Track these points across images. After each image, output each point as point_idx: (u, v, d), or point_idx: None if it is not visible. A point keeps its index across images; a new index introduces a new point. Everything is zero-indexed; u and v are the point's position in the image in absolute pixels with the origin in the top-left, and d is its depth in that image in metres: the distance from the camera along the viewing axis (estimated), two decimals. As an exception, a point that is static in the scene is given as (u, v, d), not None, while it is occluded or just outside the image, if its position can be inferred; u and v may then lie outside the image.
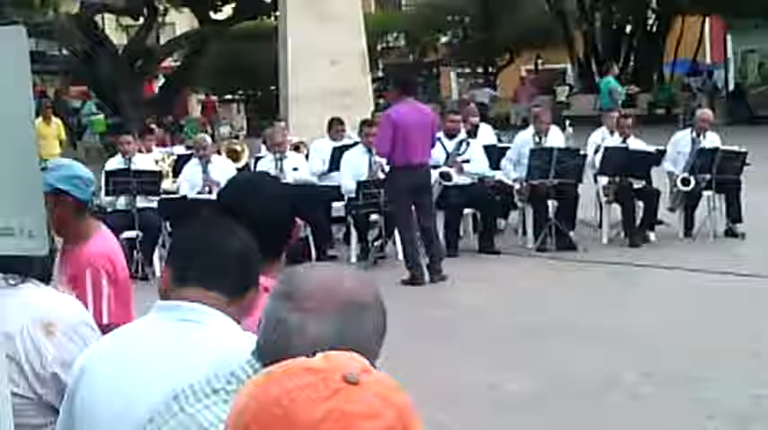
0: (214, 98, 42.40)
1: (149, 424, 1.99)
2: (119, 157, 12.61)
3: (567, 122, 14.03)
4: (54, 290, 3.27)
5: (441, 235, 11.90)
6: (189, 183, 12.61)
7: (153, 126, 18.53)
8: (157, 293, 2.55)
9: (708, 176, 12.66)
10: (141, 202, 12.00)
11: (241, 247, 2.50)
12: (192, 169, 12.75)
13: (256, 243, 2.54)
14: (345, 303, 1.87)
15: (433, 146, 11.45)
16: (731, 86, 39.39)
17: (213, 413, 1.89)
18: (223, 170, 12.13)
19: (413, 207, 11.08)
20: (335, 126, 14.16)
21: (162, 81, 40.48)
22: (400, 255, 11.81)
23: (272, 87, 27.73)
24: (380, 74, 42.56)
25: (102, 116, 33.03)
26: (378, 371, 1.39)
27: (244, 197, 2.92)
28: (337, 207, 12.97)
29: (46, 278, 3.31)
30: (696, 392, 6.99)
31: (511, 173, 13.11)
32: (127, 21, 37.02)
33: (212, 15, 35.27)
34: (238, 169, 13.40)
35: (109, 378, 2.39)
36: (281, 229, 2.98)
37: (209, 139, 13.59)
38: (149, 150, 14.37)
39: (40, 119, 17.32)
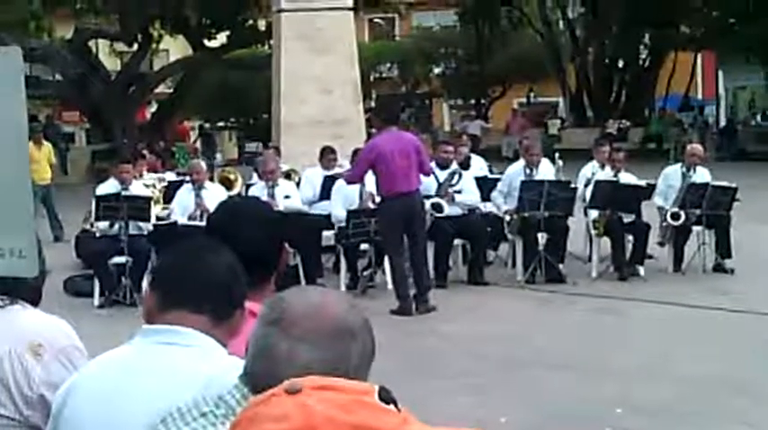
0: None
1: (136, 447, 1.98)
2: (109, 182, 12.62)
3: (557, 155, 14.07)
4: (40, 312, 3.26)
5: (430, 265, 11.90)
6: (181, 208, 12.62)
7: (144, 152, 18.54)
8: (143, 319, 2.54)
9: (698, 211, 12.69)
10: (132, 229, 11.98)
11: (226, 270, 2.49)
12: (185, 194, 12.77)
13: (243, 267, 2.54)
14: (333, 329, 1.87)
15: (425, 171, 11.47)
16: (722, 122, 39.61)
17: (201, 436, 1.89)
18: (215, 197, 12.12)
19: (404, 236, 11.09)
20: (327, 155, 14.17)
21: (155, 107, 40.55)
22: (390, 285, 11.81)
23: (265, 115, 27.75)
24: (373, 104, 42.66)
25: None
26: (333, 393, 1.38)
27: (232, 221, 2.92)
28: (327, 236, 12.98)
29: (35, 300, 3.29)
30: (683, 427, 6.98)
31: (501, 204, 13.13)
32: (120, 47, 37.14)
33: (206, 43, 35.38)
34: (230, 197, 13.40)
35: (94, 403, 2.38)
36: (269, 254, 2.97)
37: (204, 165, 13.62)
38: (140, 175, 14.38)
39: (31, 143, 17.30)
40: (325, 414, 1.31)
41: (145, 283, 11.86)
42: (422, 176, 11.44)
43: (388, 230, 11.19)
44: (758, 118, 37.67)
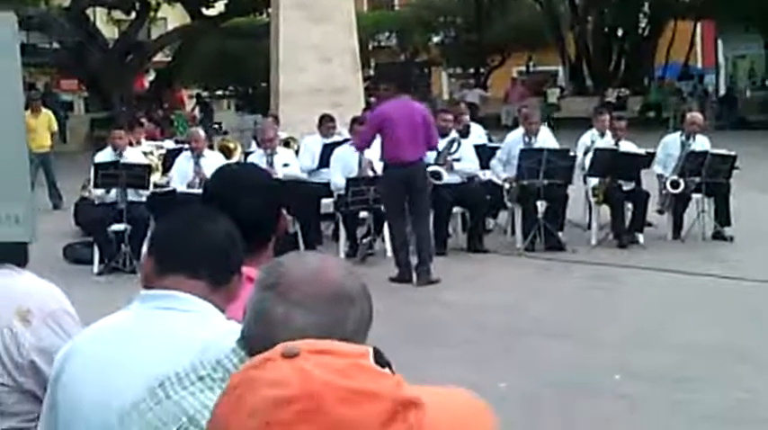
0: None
1: (134, 410, 1.98)
2: (107, 150, 12.62)
3: (547, 123, 14.03)
4: (30, 274, 3.24)
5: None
6: (180, 176, 12.61)
7: (142, 120, 18.51)
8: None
9: (697, 179, 12.69)
10: (130, 196, 11.98)
11: (223, 236, 2.48)
12: (184, 162, 12.76)
13: (241, 233, 2.53)
14: (331, 294, 1.86)
15: (432, 145, 11.44)
16: (722, 91, 39.54)
17: (198, 400, 1.88)
18: (214, 165, 12.07)
19: (406, 205, 11.07)
20: (326, 123, 14.15)
21: (153, 76, 40.43)
22: (389, 253, 11.81)
23: (264, 84, 27.70)
24: (371, 72, 42.55)
25: None
26: (331, 357, 1.37)
27: (230, 187, 2.91)
28: (326, 203, 12.99)
29: (23, 264, 3.28)
30: (682, 394, 7.00)
31: (501, 173, 13.12)
32: (118, 15, 37.03)
33: (204, 11, 35.26)
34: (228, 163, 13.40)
35: (92, 369, 2.37)
36: (266, 220, 2.97)
37: (202, 133, 13.60)
38: (138, 143, 14.36)
39: (29, 111, 17.26)
40: (323, 379, 1.30)
41: (144, 251, 11.87)
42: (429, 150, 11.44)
43: (390, 198, 11.17)
44: (757, 86, 37.64)
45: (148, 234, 11.90)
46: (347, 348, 1.39)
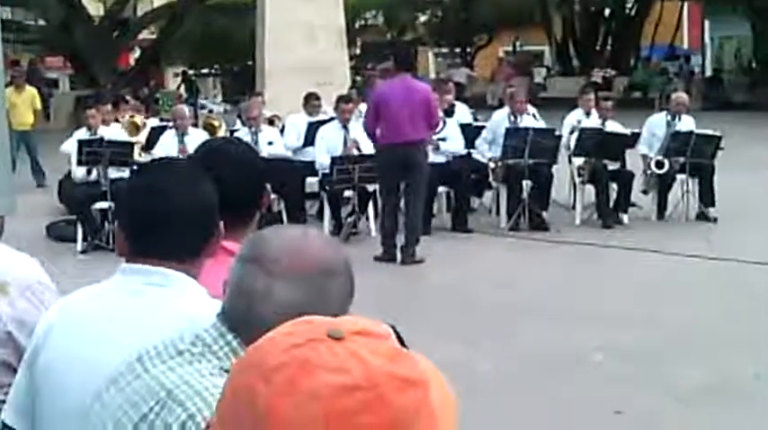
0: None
1: (113, 385, 1.96)
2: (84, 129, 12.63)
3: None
4: (7, 247, 3.21)
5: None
6: (164, 153, 12.55)
7: (127, 97, 18.41)
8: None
9: (682, 160, 12.71)
10: (113, 173, 11.93)
11: (196, 205, 2.41)
12: (168, 139, 12.70)
13: (224, 207, 2.49)
14: (313, 267, 1.85)
15: (432, 126, 11.38)
16: (708, 72, 39.58)
17: (177, 374, 1.86)
18: (198, 142, 12.04)
19: (401, 185, 11.00)
20: (311, 101, 14.10)
21: (138, 53, 40.25)
22: (374, 232, 11.79)
23: (249, 62, 27.60)
24: (358, 51, 42.43)
25: None
26: (373, 340, 1.33)
27: (213, 161, 2.87)
28: (311, 182, 12.97)
29: None
30: (665, 373, 7.02)
31: (486, 152, 13.10)
32: (104, -8, 36.79)
33: (190, -12, 35.08)
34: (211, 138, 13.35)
35: (73, 341, 2.35)
36: (250, 195, 2.95)
37: (187, 110, 13.55)
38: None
39: (12, 88, 17.17)
40: (380, 366, 1.27)
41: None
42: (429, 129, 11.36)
43: (384, 176, 11.12)
44: (744, 67, 37.69)
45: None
46: (379, 329, 1.36)
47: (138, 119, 14.22)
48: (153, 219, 2.38)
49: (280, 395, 1.24)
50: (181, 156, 12.00)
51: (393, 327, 1.39)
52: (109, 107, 14.32)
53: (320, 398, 1.22)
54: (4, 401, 2.63)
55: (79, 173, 12.21)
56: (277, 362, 1.25)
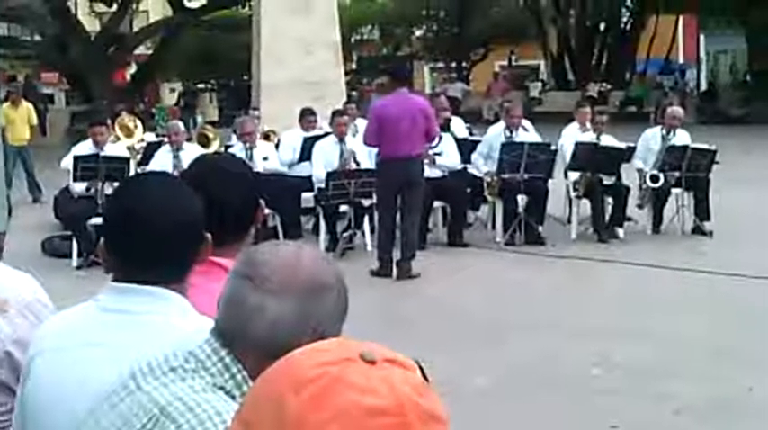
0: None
1: (105, 402, 1.96)
2: (87, 143, 12.57)
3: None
4: (5, 265, 3.20)
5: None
6: (159, 168, 12.56)
7: (123, 113, 18.43)
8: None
9: (677, 174, 12.72)
10: (109, 189, 11.92)
11: (177, 223, 2.35)
12: (163, 155, 12.72)
13: (218, 223, 2.49)
14: (306, 283, 1.86)
15: (431, 139, 11.40)
16: (703, 86, 39.68)
17: (170, 391, 1.86)
18: (193, 157, 12.04)
19: (399, 200, 11.00)
20: (307, 116, 14.13)
21: (134, 69, 40.29)
22: (369, 247, 11.79)
23: (245, 77, 27.64)
24: (354, 66, 42.49)
25: None
26: (403, 370, 1.33)
27: (205, 177, 2.86)
28: (307, 197, 12.97)
29: None
30: (660, 387, 7.02)
31: (481, 166, 13.12)
32: (100, 7, 36.88)
33: (186, 3, 35.17)
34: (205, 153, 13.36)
35: (62, 361, 2.33)
36: (244, 210, 2.93)
37: (182, 126, 13.56)
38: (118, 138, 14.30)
39: (9, 103, 17.19)
40: (409, 395, 1.29)
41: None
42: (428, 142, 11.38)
43: (383, 191, 11.12)
44: (739, 81, 37.76)
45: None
46: (408, 361, 1.39)
47: (129, 119, 14.25)
48: (132, 244, 2.34)
49: (309, 407, 1.26)
50: (176, 173, 12.03)
51: (417, 362, 1.41)
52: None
53: (348, 416, 1.25)
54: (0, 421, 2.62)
55: (77, 188, 12.21)
56: (310, 376, 1.28)
